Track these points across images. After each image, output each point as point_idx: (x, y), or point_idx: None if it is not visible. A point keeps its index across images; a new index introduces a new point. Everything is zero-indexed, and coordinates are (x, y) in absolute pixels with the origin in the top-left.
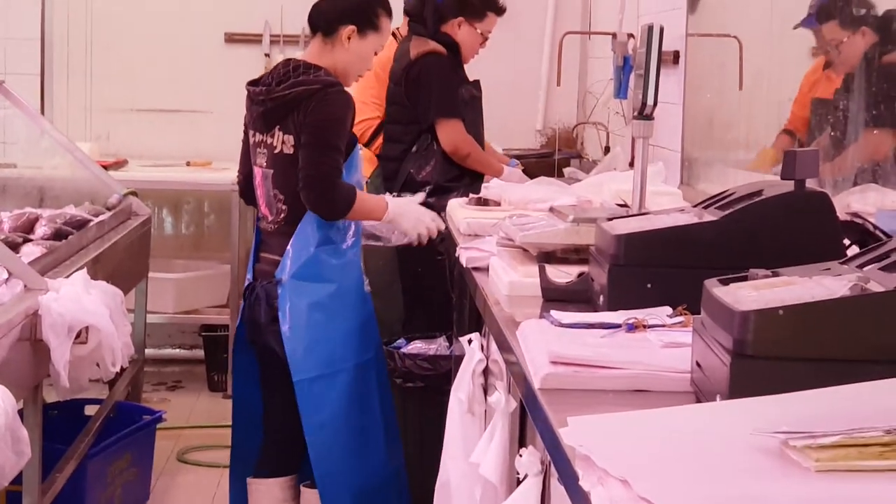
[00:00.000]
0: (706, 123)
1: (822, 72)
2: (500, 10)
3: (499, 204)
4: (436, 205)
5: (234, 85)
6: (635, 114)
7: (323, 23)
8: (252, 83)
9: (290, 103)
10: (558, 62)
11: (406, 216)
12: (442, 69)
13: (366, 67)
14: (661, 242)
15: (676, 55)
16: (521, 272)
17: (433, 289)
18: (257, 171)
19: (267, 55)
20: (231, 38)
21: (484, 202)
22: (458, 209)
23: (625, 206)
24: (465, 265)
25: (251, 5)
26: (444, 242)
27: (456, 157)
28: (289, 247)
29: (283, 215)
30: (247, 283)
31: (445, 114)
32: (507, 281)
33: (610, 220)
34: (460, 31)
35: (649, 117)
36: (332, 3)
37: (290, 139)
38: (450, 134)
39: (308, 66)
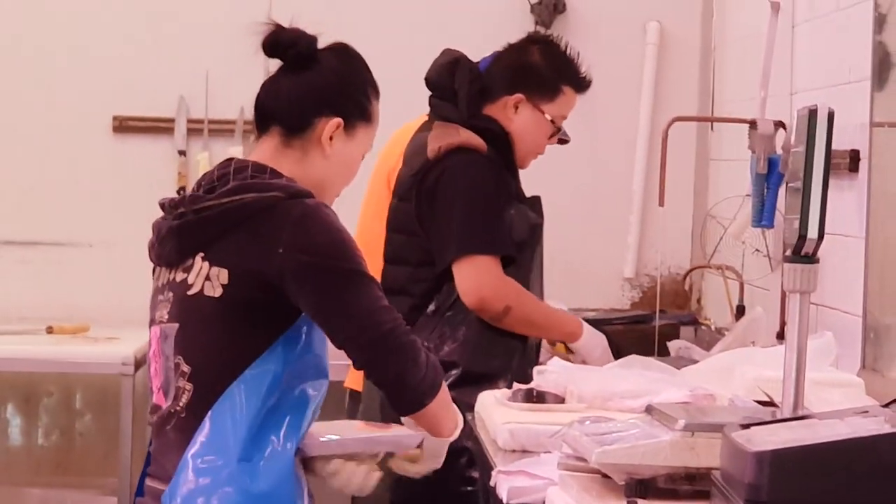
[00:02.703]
0: None
1: None
2: (580, 85)
3: (562, 400)
4: (459, 401)
5: (127, 199)
6: (788, 253)
7: (287, 113)
8: (168, 198)
9: (230, 217)
10: (661, 167)
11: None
12: (477, 174)
13: (351, 179)
14: (831, 466)
15: (855, 157)
16: None
17: None
18: (153, 334)
19: (182, 153)
20: (123, 126)
21: (537, 397)
22: (496, 409)
23: (770, 404)
24: (505, 500)
25: (155, 74)
26: (476, 464)
27: (486, 316)
28: (187, 455)
29: (184, 399)
30: None
31: (470, 247)
32: None
33: (745, 427)
34: (518, 115)
35: (811, 259)
36: (297, 83)
37: (220, 274)
38: (472, 277)
39: (260, 168)
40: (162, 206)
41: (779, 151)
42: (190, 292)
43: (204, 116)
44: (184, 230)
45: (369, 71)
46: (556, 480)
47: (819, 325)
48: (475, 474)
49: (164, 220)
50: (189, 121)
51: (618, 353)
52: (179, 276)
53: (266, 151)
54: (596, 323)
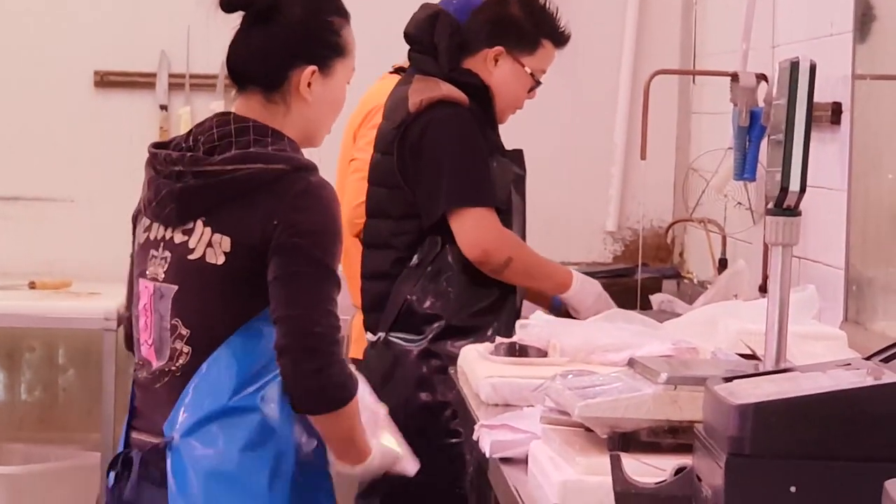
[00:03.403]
0: (887, 223)
1: None
2: (559, 39)
3: (544, 354)
4: (442, 353)
5: (109, 155)
6: (770, 206)
7: (259, 73)
8: (160, 145)
9: (235, 187)
10: (643, 120)
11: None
12: (461, 127)
13: (339, 110)
14: (813, 418)
15: (837, 110)
16: (580, 466)
17: (440, 492)
18: (145, 288)
19: (164, 108)
20: (105, 81)
21: (519, 351)
22: (478, 363)
23: (752, 357)
24: (488, 454)
25: (136, 29)
26: (459, 418)
27: (487, 268)
28: (188, 387)
29: (181, 361)
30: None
31: (465, 199)
32: (557, 481)
33: (728, 380)
34: (497, 67)
35: (793, 212)
36: (262, 39)
37: (222, 242)
38: (474, 230)
39: (261, 130)
40: (154, 155)
41: (761, 104)
42: (191, 256)
43: (185, 71)
44: (185, 195)
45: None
46: (538, 434)
47: (801, 278)
48: (459, 427)
49: (163, 180)
50: (171, 75)
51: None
52: (178, 238)
53: (252, 109)
54: None
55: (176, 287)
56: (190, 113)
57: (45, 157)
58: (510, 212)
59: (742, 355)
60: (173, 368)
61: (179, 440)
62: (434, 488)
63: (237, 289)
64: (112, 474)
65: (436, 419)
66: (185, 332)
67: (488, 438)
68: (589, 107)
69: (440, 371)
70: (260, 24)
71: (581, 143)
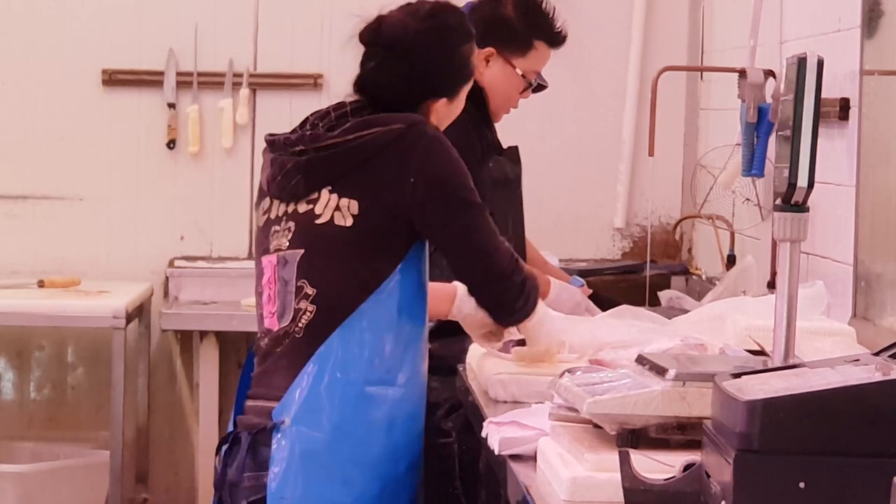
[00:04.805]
0: None
1: None
2: (554, 40)
3: None
4: (434, 353)
5: (117, 153)
6: (778, 202)
7: (395, 101)
8: (274, 135)
9: (358, 154)
10: (651, 117)
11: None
12: (455, 131)
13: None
14: (822, 414)
15: (845, 105)
16: (589, 463)
17: (433, 491)
18: (268, 263)
19: (171, 106)
20: (112, 79)
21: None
22: (486, 360)
23: (761, 353)
24: (496, 451)
25: (144, 27)
26: (453, 415)
27: None
28: (304, 369)
29: (304, 320)
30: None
31: None
32: (567, 477)
33: (736, 376)
34: (489, 69)
35: (801, 207)
36: (403, 73)
37: (350, 205)
38: None
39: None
40: (271, 142)
41: (769, 100)
42: (318, 221)
43: (193, 69)
44: (311, 166)
45: (462, 26)
46: (547, 431)
47: (810, 274)
48: (451, 425)
49: (286, 157)
50: (178, 73)
51: (608, 302)
52: (303, 208)
53: None
54: (585, 271)
55: (302, 251)
56: (198, 111)
57: (54, 156)
58: (508, 211)
59: (750, 351)
60: (296, 329)
61: (290, 424)
62: (427, 488)
63: (364, 250)
64: (221, 454)
65: (427, 419)
66: (311, 291)
67: (497, 435)
68: (597, 103)
69: (432, 371)
70: (397, 59)
71: (589, 139)
